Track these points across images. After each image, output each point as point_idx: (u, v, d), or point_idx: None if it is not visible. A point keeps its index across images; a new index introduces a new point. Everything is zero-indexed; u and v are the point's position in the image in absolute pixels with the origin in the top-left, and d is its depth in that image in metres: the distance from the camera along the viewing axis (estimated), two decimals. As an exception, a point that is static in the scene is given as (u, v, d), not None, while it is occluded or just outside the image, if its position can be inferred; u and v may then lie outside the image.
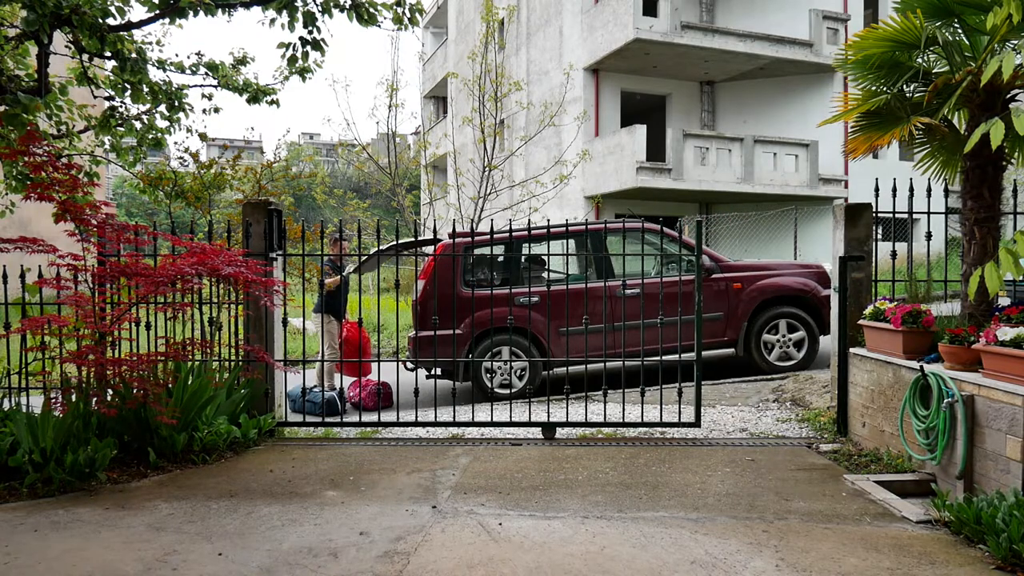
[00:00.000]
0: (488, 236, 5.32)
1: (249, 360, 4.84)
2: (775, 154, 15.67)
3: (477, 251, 6.60)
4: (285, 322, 5.17)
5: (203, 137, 6.68)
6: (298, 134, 55.97)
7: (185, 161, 7.49)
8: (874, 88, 4.36)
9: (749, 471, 4.03)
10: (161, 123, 5.79)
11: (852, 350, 4.62)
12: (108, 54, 5.01)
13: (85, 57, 5.08)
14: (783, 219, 15.64)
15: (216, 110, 6.09)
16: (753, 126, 16.79)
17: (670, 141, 15.11)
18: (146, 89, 5.36)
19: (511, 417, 5.09)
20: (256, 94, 5.81)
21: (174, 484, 3.86)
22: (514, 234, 6.60)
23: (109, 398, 4.18)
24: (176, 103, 5.53)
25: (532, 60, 18.94)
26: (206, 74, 5.75)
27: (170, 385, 4.30)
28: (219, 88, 5.81)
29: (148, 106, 5.66)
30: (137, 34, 5.56)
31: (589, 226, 5.75)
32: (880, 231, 4.85)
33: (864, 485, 3.67)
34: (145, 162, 6.74)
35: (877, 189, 4.89)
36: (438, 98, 26.39)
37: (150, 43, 5.88)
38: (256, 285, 4.42)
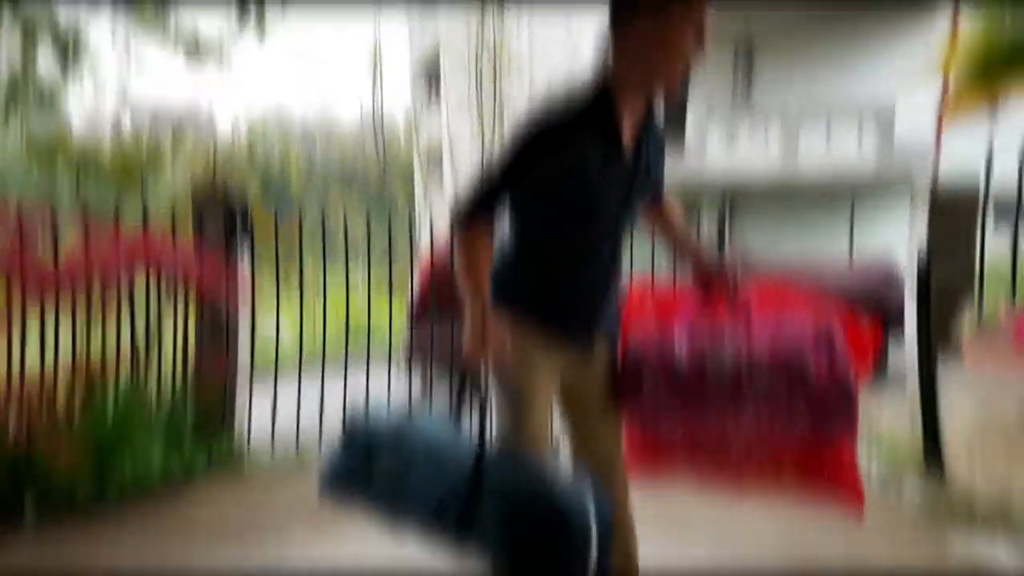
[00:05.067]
0: None
1: (201, 375, 4.43)
2: (830, 126, 14.30)
3: None
4: (253, 328, 4.78)
5: (123, 99, 5.97)
6: (262, 110, 54.60)
7: (102, 129, 6.87)
8: (1006, 15, 3.59)
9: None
10: (49, 72, 5.00)
11: (948, 368, 4.07)
12: None
13: None
14: (838, 208, 14.06)
15: (138, 64, 5.44)
16: (800, 91, 15.14)
17: (693, 121, 14.48)
18: (9, 20, 4.51)
19: None
20: (195, 48, 5.15)
21: (68, 543, 3.28)
22: None
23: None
24: (71, 47, 4.79)
25: (534, 30, 18.43)
26: (114, 11, 5.00)
27: (77, 415, 3.73)
28: (137, 34, 5.12)
29: (20, 44, 4.79)
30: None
31: None
32: (993, 216, 4.21)
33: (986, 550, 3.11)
34: (31, 124, 5.98)
35: (990, 159, 4.08)
36: (430, 75, 25.88)
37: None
38: (213, 284, 3.98)
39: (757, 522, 3.35)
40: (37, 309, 3.77)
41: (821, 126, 14.33)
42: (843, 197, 13.99)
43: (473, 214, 1.84)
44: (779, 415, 1.83)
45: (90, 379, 3.83)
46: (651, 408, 1.94)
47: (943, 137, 13.46)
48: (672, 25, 1.74)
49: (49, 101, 5.07)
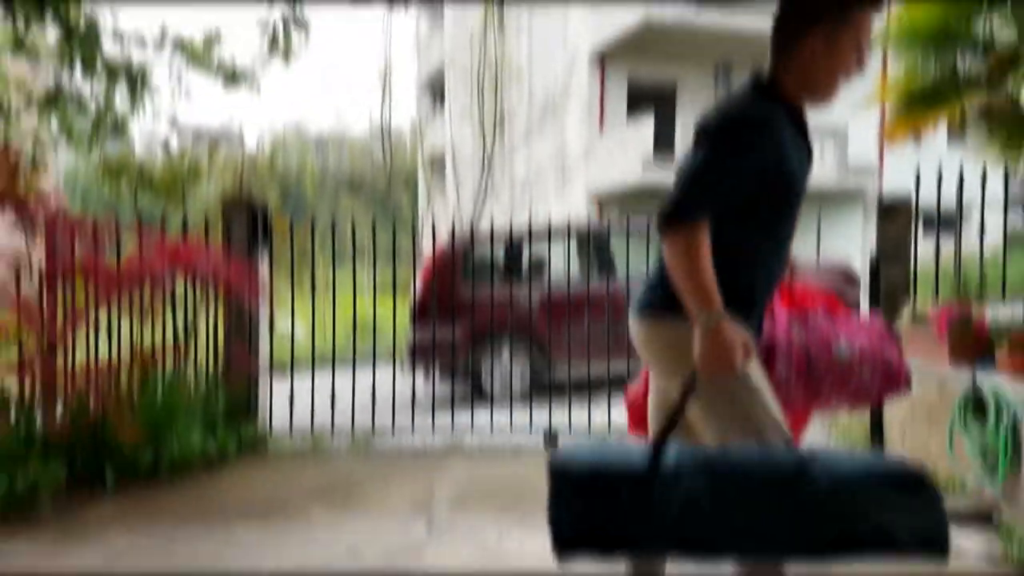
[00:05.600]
0: (489, 237, 5.86)
1: (230, 367, 5.02)
2: None
3: (477, 251, 7.44)
4: (272, 325, 5.36)
5: (173, 123, 6.80)
6: (283, 124, 56.61)
7: (154, 149, 7.59)
8: (920, 62, 4.38)
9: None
10: (122, 106, 5.79)
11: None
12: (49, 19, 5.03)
13: (21, 22, 5.08)
14: (804, 214, 15.51)
15: (187, 94, 6.18)
16: None
17: (680, 133, 15.25)
18: (100, 66, 5.38)
19: (511, 423, 5.46)
20: (232, 76, 5.88)
21: (136, 509, 3.87)
22: (514, 235, 7.30)
23: (60, 414, 4.20)
24: (139, 83, 5.56)
25: (534, 43, 19.11)
26: (173, 51, 5.78)
27: (135, 397, 4.34)
28: (188, 68, 5.86)
29: (104, 85, 5.66)
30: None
31: (591, 226, 6.42)
32: (921, 227, 4.91)
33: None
34: (105, 150, 6.76)
35: (919, 178, 4.82)
36: (435, 89, 26.61)
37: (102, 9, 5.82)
38: (239, 284, 4.56)
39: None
40: (105, 307, 4.48)
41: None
42: (812, 199, 15.31)
43: (690, 213, 1.74)
44: (863, 392, 2.27)
45: (144, 367, 4.45)
46: (778, 389, 2.07)
47: (884, 159, 15.51)
48: (842, 43, 1.87)
49: (121, 130, 5.78)
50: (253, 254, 5.14)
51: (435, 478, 4.37)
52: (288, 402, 5.36)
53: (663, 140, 16.40)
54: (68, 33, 5.13)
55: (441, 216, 14.67)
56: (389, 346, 6.00)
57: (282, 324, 5.80)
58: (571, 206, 16.29)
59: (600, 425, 5.44)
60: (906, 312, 4.46)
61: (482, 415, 5.76)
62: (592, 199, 16.25)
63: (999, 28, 4.36)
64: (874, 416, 4.86)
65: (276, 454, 5.06)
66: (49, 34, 5.70)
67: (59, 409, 4.23)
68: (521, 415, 5.69)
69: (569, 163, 13.61)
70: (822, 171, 15.80)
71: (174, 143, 7.42)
